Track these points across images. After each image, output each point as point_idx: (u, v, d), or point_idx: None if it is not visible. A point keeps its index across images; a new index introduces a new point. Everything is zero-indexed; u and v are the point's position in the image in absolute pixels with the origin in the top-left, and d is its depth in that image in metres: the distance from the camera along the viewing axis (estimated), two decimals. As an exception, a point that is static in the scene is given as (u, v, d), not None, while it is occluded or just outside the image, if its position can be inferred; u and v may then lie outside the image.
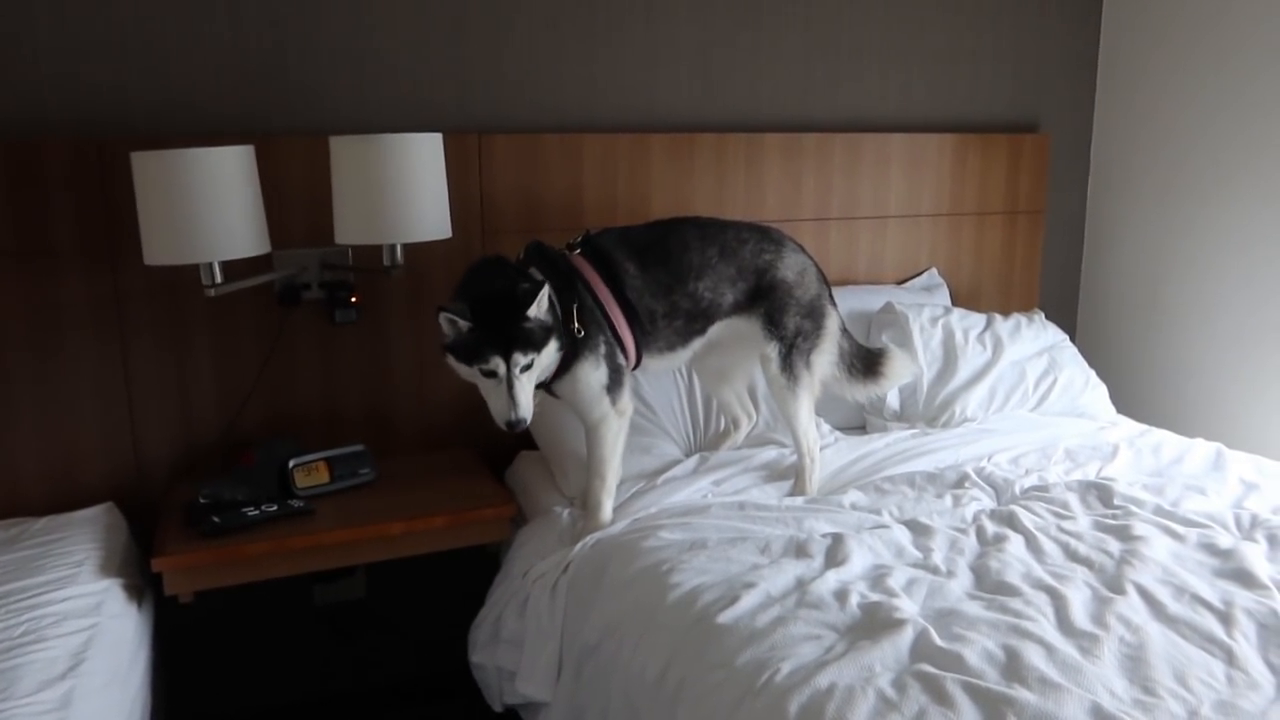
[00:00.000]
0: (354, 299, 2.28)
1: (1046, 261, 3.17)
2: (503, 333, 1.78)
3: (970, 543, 1.82)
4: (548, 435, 2.31)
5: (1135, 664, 1.41)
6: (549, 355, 1.86)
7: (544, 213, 2.47)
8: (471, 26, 2.37)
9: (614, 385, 1.99)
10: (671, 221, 2.15)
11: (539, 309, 1.81)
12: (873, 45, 2.79)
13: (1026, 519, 1.91)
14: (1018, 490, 2.08)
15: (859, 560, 1.73)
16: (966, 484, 2.09)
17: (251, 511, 1.97)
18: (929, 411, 2.52)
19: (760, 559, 1.74)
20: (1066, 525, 1.88)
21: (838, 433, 2.44)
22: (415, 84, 2.34)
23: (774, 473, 2.22)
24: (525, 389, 1.82)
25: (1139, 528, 1.84)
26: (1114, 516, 1.92)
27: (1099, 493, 2.02)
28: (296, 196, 2.22)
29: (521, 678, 1.89)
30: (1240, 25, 2.67)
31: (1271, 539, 1.80)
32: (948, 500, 2.02)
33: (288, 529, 1.96)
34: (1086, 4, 3.04)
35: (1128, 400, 3.04)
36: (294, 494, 2.09)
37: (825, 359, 2.19)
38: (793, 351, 2.11)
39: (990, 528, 1.88)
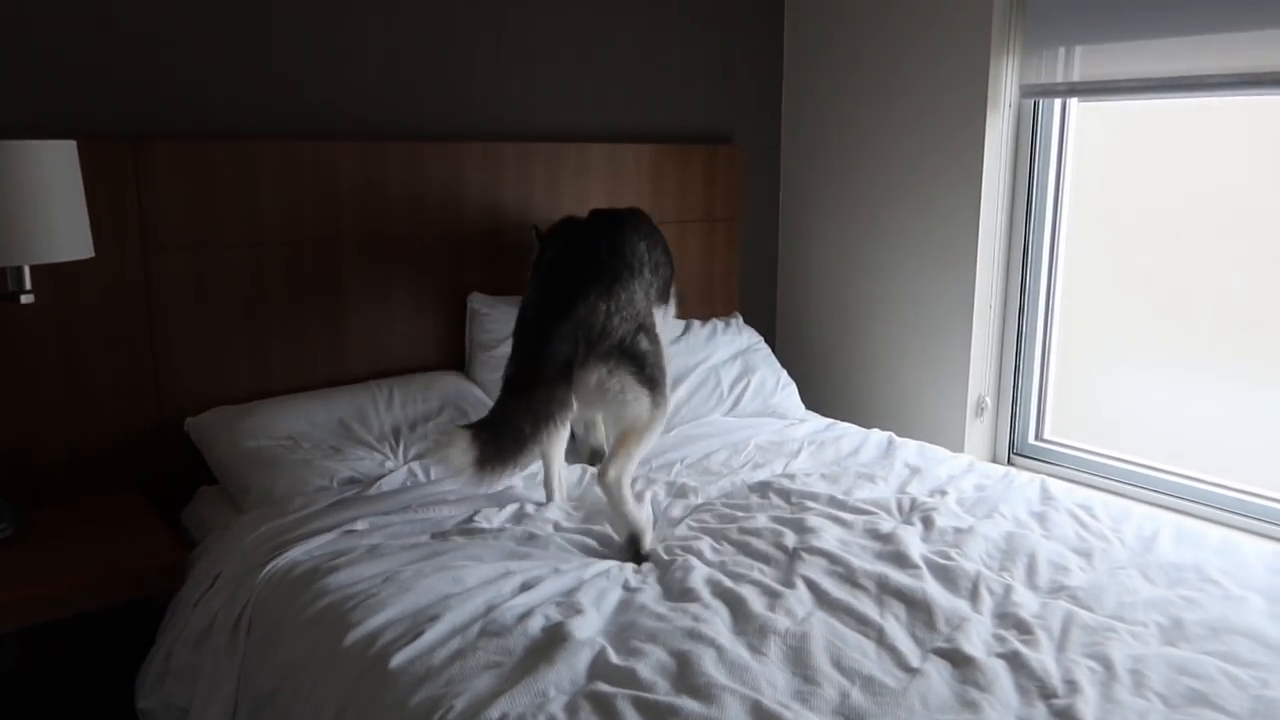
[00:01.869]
0: (-20, 329, 1.98)
1: (746, 267, 3.33)
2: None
3: (654, 557, 1.85)
4: (226, 464, 2.14)
5: (798, 655, 1.48)
6: None
7: (218, 226, 2.27)
8: (121, 21, 2.13)
9: None
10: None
11: None
12: (570, 54, 2.80)
13: (710, 524, 1.98)
14: (710, 494, 2.16)
15: (552, 581, 1.71)
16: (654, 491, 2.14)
17: None
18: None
19: (452, 588, 1.68)
20: (746, 524, 1.97)
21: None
22: (53, 84, 2.08)
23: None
24: None
25: (812, 520, 1.96)
26: (791, 511, 2.03)
27: (778, 490, 2.14)
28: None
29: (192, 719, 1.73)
30: (906, 48, 2.93)
31: (926, 521, 1.98)
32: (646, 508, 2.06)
33: (-109, 604, 1.66)
34: (770, 21, 3.23)
35: (822, 396, 3.27)
36: (-95, 561, 1.78)
37: None
38: None
39: (677, 537, 1.92)
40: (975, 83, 2.73)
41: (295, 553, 1.83)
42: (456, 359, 2.66)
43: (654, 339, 2.01)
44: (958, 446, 2.92)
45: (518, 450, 1.80)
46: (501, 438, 1.78)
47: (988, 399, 2.94)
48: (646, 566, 1.81)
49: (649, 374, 1.96)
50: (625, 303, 1.97)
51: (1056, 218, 2.84)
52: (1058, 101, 2.73)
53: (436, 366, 2.63)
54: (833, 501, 2.07)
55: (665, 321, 2.18)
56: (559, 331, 1.88)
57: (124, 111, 2.17)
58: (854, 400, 3.22)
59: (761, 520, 1.99)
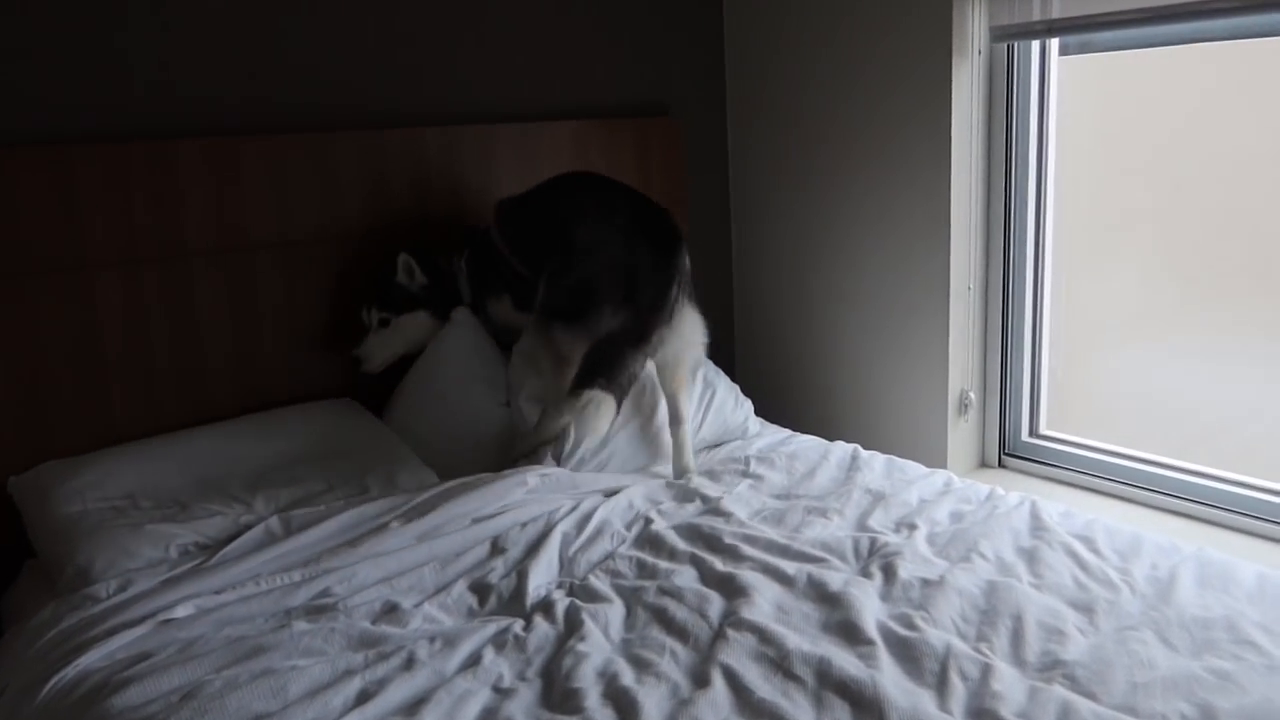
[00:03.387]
0: None
1: (696, 257, 2.92)
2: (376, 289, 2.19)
3: (545, 631, 1.48)
4: (41, 534, 1.77)
5: (699, 797, 1.11)
6: (411, 323, 2.19)
7: (28, 247, 1.88)
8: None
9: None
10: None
11: (406, 277, 2.15)
12: (463, 20, 2.40)
13: (625, 580, 1.61)
14: (632, 536, 1.78)
15: (399, 686, 1.33)
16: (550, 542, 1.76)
17: None
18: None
19: (268, 705, 1.31)
20: (667, 583, 1.59)
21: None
22: None
23: (356, 532, 1.79)
24: (375, 345, 2.19)
25: (746, 575, 1.58)
26: (723, 562, 1.65)
27: (712, 533, 1.75)
28: None
29: None
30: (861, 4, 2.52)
31: (887, 569, 1.60)
32: (544, 564, 1.68)
33: None
34: (704, -25, 2.82)
35: (786, 400, 2.88)
36: None
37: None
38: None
39: (580, 604, 1.54)
40: (936, 26, 2.32)
41: (91, 657, 1.45)
42: (346, 383, 2.27)
43: None
44: (940, 450, 2.54)
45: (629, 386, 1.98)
46: (621, 384, 1.95)
47: (972, 394, 2.55)
48: (535, 644, 1.44)
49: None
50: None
51: (1041, 180, 2.44)
52: (1036, 44, 2.32)
53: (322, 394, 2.25)
54: (774, 547, 1.69)
55: None
56: (673, 278, 2.05)
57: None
58: (820, 403, 2.83)
59: (687, 578, 1.61)
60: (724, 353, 3.03)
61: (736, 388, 2.42)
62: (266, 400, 2.19)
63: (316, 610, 1.56)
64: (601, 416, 1.89)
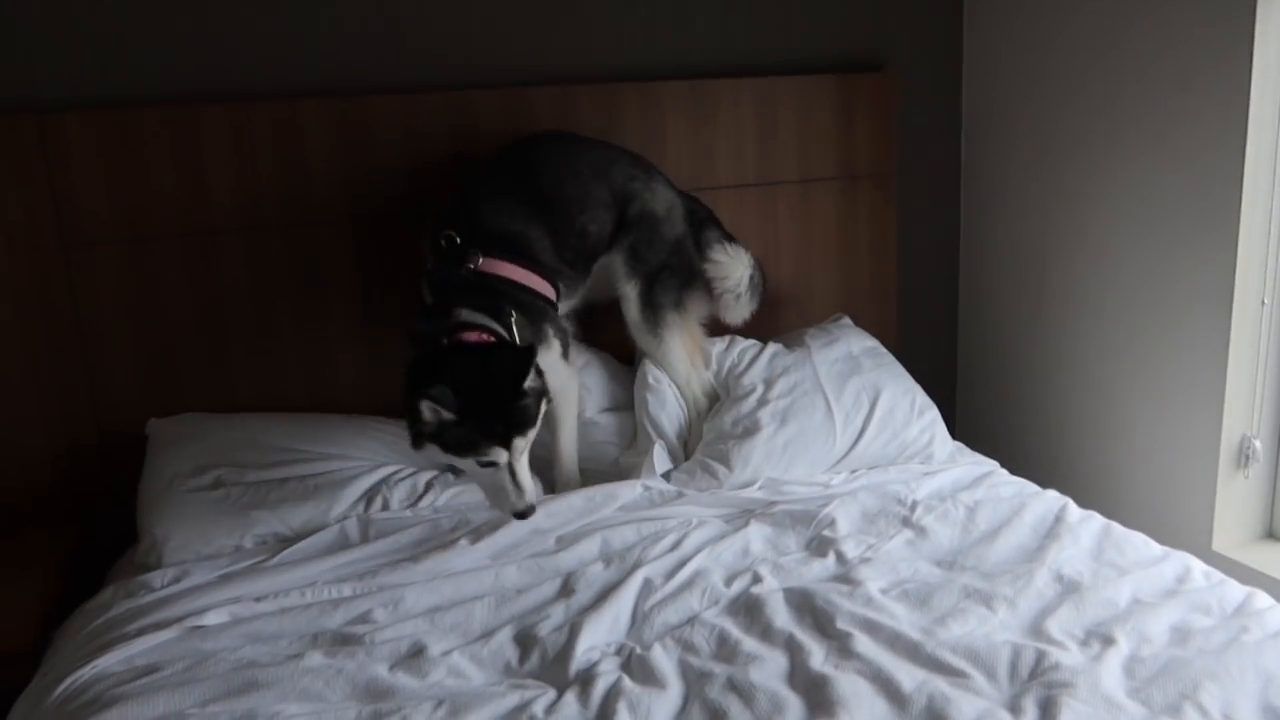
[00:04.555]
0: None
1: (911, 238, 2.45)
2: (500, 419, 1.53)
3: (570, 716, 1.18)
4: (139, 498, 1.73)
5: None
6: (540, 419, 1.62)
7: (154, 213, 1.85)
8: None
9: (565, 350, 1.82)
10: (533, 147, 1.87)
11: (532, 379, 1.56)
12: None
13: (695, 658, 1.28)
14: (726, 597, 1.44)
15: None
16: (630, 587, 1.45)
17: None
18: (689, 467, 1.86)
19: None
20: (742, 673, 1.24)
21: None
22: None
23: (425, 547, 1.61)
24: (526, 470, 1.58)
25: (846, 683, 1.19)
26: (826, 653, 1.27)
27: (825, 607, 1.36)
28: None
29: None
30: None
31: (1047, 707, 1.14)
32: (609, 618, 1.39)
33: None
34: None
35: (999, 425, 2.36)
36: None
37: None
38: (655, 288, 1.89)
39: (628, 683, 1.24)
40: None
41: (111, 659, 1.36)
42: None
43: None
44: (1203, 513, 1.93)
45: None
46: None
47: (1257, 442, 1.90)
48: None
49: None
50: None
51: (1395, 158, 1.74)
52: (1400, -38, 1.63)
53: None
54: (900, 644, 1.27)
55: None
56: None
57: (28, 79, 1.78)
58: (1044, 435, 2.28)
59: (771, 671, 1.25)
60: (943, 359, 2.54)
61: (917, 389, 1.97)
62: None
63: (342, 640, 1.38)
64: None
